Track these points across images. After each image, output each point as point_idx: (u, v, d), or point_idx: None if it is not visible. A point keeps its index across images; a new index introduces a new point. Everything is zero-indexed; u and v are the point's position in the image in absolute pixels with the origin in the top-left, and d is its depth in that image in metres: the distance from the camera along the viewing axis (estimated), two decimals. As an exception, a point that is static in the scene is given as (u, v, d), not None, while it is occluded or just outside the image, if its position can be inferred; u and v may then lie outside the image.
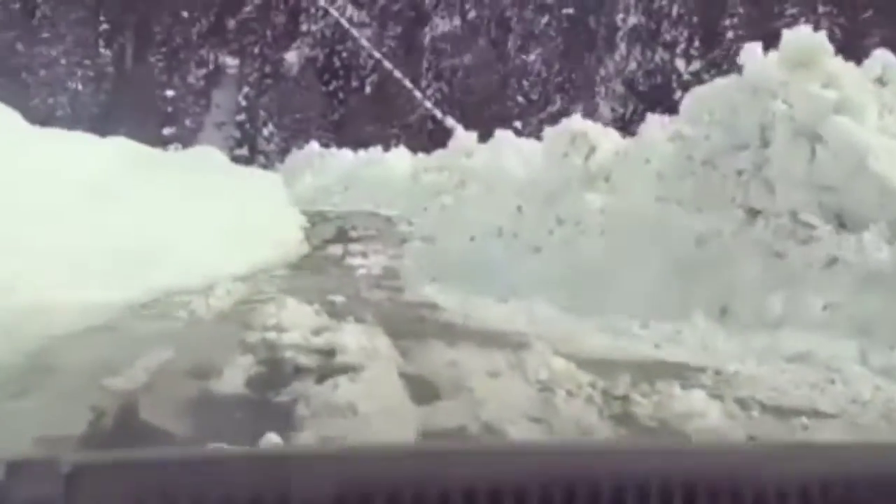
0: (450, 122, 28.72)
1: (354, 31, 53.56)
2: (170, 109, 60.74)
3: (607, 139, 9.36)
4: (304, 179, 27.84)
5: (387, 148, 26.73)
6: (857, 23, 51.38)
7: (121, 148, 15.52)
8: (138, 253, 9.45)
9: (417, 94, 26.89)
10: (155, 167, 14.36)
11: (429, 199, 18.07)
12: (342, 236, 15.30)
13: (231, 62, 66.80)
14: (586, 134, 9.21)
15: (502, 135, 19.17)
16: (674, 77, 54.06)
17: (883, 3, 48.26)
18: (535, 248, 9.24)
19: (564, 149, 9.24)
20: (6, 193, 9.08)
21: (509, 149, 17.95)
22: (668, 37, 55.45)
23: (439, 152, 21.74)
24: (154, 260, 9.61)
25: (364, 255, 12.56)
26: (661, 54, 55.36)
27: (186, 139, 51.08)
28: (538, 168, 11.27)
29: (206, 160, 17.41)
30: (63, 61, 63.30)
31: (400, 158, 24.41)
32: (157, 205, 11.42)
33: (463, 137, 20.43)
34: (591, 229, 8.39)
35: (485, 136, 20.58)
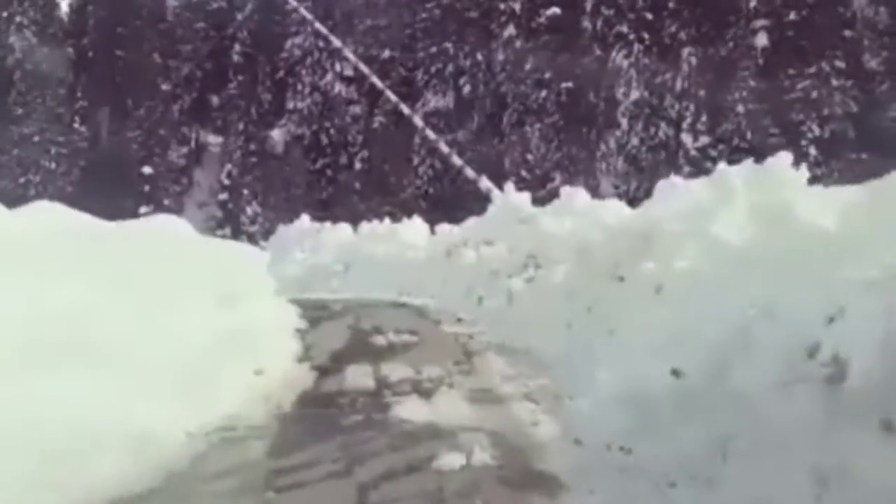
0: (485, 183, 22.28)
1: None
2: (147, 188, 54.43)
3: None
4: (294, 258, 21.47)
5: (396, 219, 20.49)
6: (874, 95, 46.04)
7: (43, 217, 9.20)
8: None
9: (444, 147, 20.83)
10: (90, 239, 7.85)
11: (481, 282, 11.77)
12: (362, 345, 8.84)
13: (214, 140, 60.88)
14: None
15: (573, 192, 12.95)
16: (680, 153, 48.49)
17: (903, 73, 42.98)
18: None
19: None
20: None
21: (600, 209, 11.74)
22: (672, 111, 49.84)
23: (474, 221, 15.46)
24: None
25: (419, 389, 6.14)
26: (664, 129, 49.71)
27: (166, 219, 44.81)
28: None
29: (166, 231, 10.65)
30: (36, 139, 57.23)
31: (417, 230, 18.14)
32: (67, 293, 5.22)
33: (511, 200, 14.16)
34: None
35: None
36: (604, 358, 6.30)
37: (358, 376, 7.00)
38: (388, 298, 13.07)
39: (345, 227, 22.15)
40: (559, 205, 12.59)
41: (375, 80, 33.69)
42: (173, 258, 7.84)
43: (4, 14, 61.16)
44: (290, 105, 56.00)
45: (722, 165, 8.96)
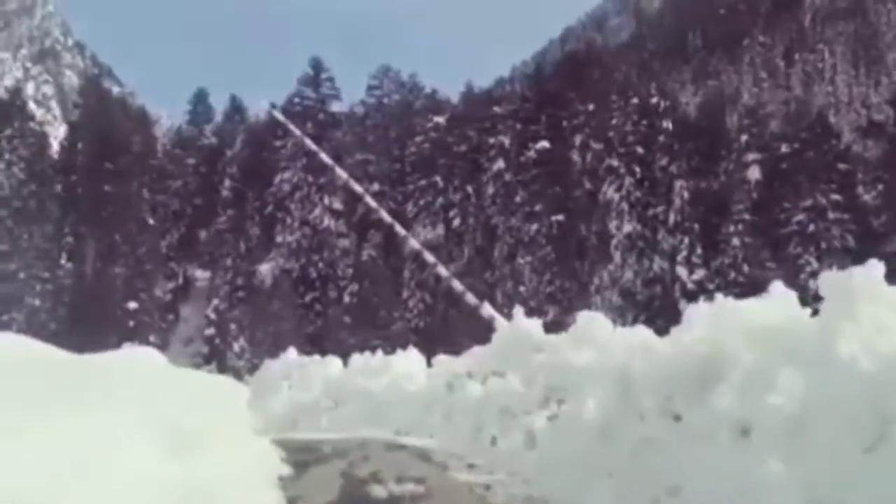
0: (487, 310, 20.74)
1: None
2: (132, 323, 52.73)
3: None
4: (280, 394, 19.73)
5: (390, 350, 18.87)
6: (871, 228, 45.21)
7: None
8: None
9: (443, 271, 19.42)
10: (39, 372, 6.28)
11: (491, 420, 10.17)
12: (360, 498, 7.18)
13: (201, 275, 59.58)
14: None
15: (592, 317, 11.44)
16: (676, 286, 47.27)
17: (898, 206, 42.21)
18: None
19: None
20: None
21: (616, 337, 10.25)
22: (665, 245, 48.82)
23: (478, 351, 13.88)
24: None
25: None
26: (659, 263, 48.61)
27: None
28: None
29: (133, 364, 8.95)
30: (22, 275, 55.80)
31: (412, 362, 16.54)
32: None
33: (522, 327, 12.65)
34: None
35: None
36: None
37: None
38: (384, 438, 11.40)
39: (334, 361, 20.50)
40: (577, 332, 11.05)
41: (369, 199, 32.33)
42: (129, 393, 6.29)
43: (-6, 151, 60.60)
44: (279, 239, 55.02)
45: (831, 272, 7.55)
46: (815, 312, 6.62)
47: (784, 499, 3.97)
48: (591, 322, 11.16)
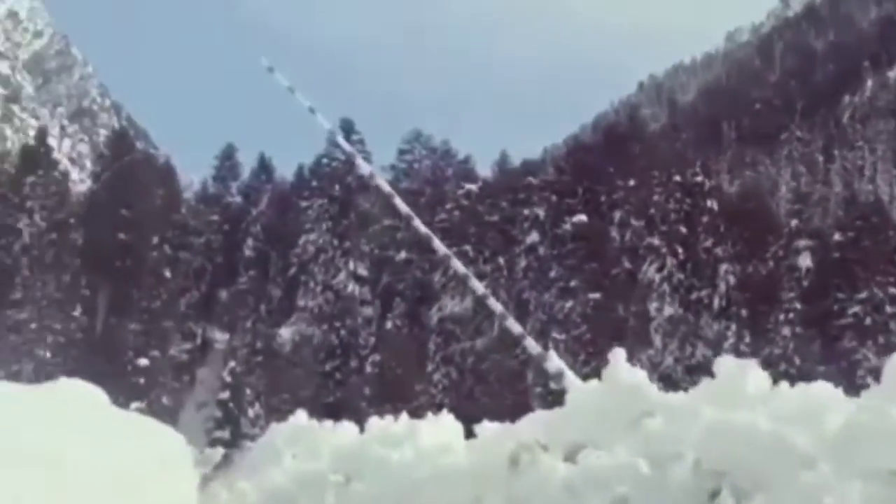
0: (555, 361, 16.28)
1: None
2: (142, 381, 48.48)
3: None
4: (281, 464, 15.54)
5: (418, 414, 14.78)
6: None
7: None
8: None
9: (496, 306, 15.56)
10: None
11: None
12: None
13: (220, 337, 55.52)
14: None
15: (742, 365, 7.19)
16: (719, 375, 42.74)
17: None
18: None
19: None
20: None
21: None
22: (709, 331, 44.33)
23: (544, 416, 9.76)
24: None
25: None
26: (702, 349, 44.04)
27: (159, 417, 38.74)
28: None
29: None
30: (33, 325, 51.90)
31: (448, 430, 12.44)
32: None
33: (622, 378, 8.47)
34: None
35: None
36: None
37: None
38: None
39: (348, 427, 16.36)
40: (715, 386, 6.82)
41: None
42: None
43: (16, 199, 57.29)
44: (301, 303, 51.04)
45: None
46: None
47: None
48: (742, 372, 6.91)
